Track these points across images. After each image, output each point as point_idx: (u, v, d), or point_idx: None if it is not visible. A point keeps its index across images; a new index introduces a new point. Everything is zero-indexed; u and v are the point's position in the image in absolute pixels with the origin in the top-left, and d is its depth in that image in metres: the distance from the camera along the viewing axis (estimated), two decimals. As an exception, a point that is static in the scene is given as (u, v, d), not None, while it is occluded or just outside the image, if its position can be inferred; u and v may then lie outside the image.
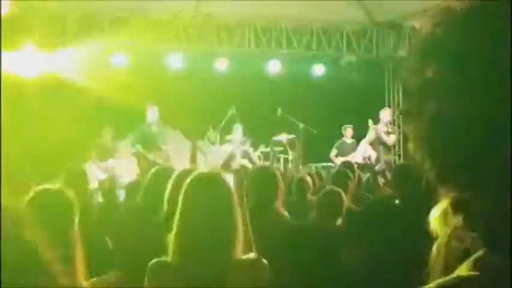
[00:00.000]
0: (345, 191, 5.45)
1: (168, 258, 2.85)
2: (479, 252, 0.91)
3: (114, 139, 13.04)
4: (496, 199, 0.85)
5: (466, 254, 0.99)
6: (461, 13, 0.88)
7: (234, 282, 2.80)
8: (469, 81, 0.85)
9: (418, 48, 0.93)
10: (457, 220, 1.03)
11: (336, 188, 5.15)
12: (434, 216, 1.46)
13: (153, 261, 2.88)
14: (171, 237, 2.85)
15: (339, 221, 4.97)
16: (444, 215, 1.43)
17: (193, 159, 6.46)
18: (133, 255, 4.12)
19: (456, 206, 0.91)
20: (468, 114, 0.85)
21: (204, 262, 2.77)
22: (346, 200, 5.12)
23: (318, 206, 4.97)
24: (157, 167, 4.97)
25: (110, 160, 12.68)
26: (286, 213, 4.88)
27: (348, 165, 8.06)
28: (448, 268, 1.09)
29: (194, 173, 3.05)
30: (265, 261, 2.93)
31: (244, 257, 2.86)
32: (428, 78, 0.89)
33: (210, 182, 2.93)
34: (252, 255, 2.95)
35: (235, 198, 2.89)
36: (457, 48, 0.87)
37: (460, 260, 0.97)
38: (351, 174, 6.48)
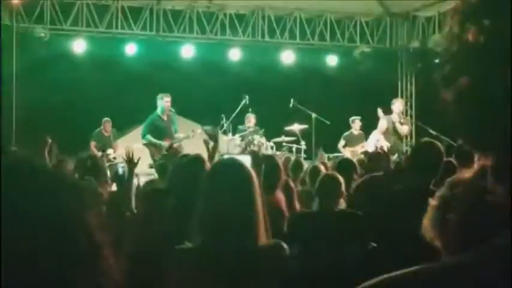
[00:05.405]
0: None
1: (192, 244, 2.83)
2: None
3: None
4: None
5: None
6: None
7: (258, 266, 2.80)
8: None
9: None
10: None
11: (335, 174, 5.08)
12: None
13: (177, 247, 2.86)
14: (194, 224, 2.83)
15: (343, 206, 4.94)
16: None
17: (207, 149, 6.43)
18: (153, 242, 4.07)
19: (496, 171, 0.86)
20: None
21: (229, 248, 2.76)
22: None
23: (317, 192, 4.94)
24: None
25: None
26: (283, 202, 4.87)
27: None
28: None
29: (216, 160, 3.04)
30: (285, 245, 2.90)
31: (266, 242, 2.84)
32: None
33: (231, 168, 2.90)
34: (272, 240, 2.92)
35: (256, 184, 2.86)
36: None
37: None
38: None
